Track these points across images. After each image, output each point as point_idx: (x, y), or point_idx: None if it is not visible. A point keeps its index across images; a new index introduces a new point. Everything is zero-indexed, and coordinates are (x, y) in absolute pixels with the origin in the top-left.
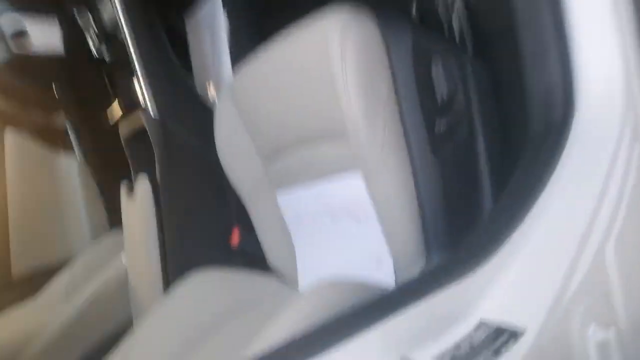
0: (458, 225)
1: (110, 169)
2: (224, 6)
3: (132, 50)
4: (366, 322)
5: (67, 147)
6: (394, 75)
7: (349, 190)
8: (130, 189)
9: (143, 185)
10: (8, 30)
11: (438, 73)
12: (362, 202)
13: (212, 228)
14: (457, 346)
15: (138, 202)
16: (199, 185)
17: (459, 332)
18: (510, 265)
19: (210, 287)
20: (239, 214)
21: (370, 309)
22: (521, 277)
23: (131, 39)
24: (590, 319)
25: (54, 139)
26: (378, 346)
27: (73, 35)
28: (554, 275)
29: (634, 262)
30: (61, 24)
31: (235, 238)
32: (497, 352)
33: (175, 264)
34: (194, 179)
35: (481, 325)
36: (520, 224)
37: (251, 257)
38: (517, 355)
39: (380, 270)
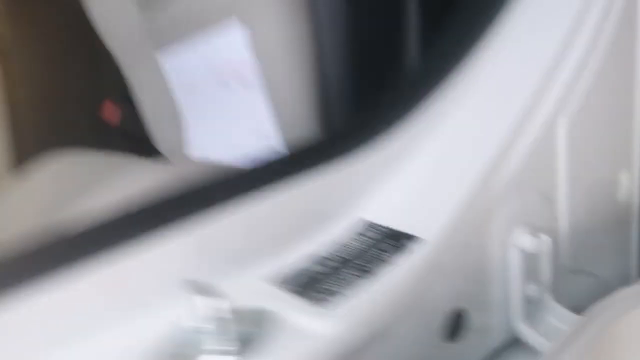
0: (370, 90)
1: None
2: None
3: None
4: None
5: None
6: None
7: (233, 47)
8: None
9: None
10: None
11: None
12: (247, 61)
13: (80, 101)
14: (321, 260)
15: None
16: (63, 45)
17: (328, 239)
18: (422, 145)
19: (71, 171)
20: (115, 84)
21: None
22: (433, 162)
23: None
24: (519, 223)
25: None
26: (181, 254)
27: None
28: (480, 158)
29: (589, 152)
30: None
31: (111, 113)
32: (377, 268)
33: (29, 142)
34: (57, 37)
35: (366, 229)
36: (447, 87)
37: (132, 137)
38: (411, 267)
39: (269, 144)
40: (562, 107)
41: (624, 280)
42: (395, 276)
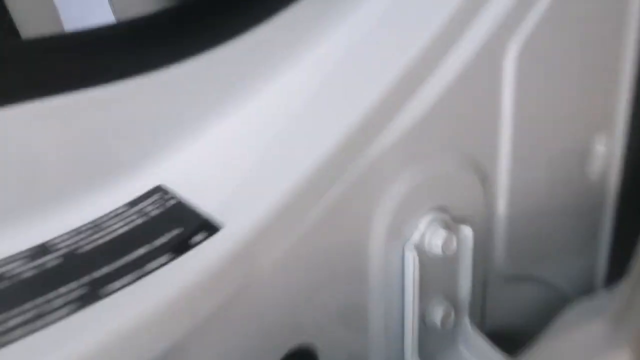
0: None
1: None
2: None
3: None
4: None
5: None
6: None
7: None
8: None
9: None
10: None
11: None
12: None
13: None
14: (23, 259)
15: None
16: None
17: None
18: (278, 65)
19: None
20: None
21: None
22: (289, 92)
23: None
24: (424, 207)
25: None
26: None
27: None
28: (367, 95)
29: (550, 104)
30: None
31: None
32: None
33: None
34: None
35: (138, 201)
36: None
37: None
38: (186, 282)
39: None
40: (514, 28)
41: (587, 289)
42: (150, 300)
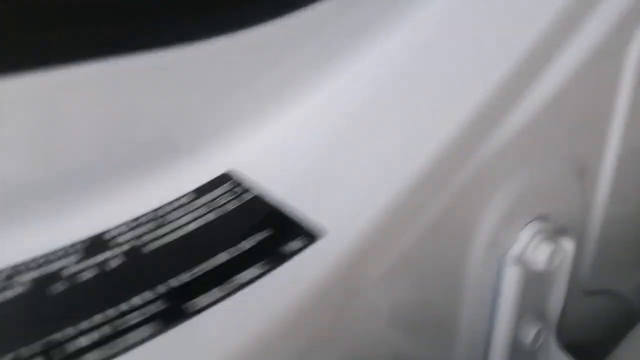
0: None
1: None
2: None
3: None
4: None
5: None
6: None
7: None
8: None
9: None
10: None
11: None
12: None
13: None
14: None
15: None
16: None
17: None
18: (367, 46)
19: None
20: None
21: None
22: (378, 81)
23: None
24: (526, 216)
25: None
26: None
27: None
28: (471, 91)
29: None
30: None
31: None
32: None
33: None
34: None
35: (212, 189)
36: None
37: None
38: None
39: None
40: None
41: None
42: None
